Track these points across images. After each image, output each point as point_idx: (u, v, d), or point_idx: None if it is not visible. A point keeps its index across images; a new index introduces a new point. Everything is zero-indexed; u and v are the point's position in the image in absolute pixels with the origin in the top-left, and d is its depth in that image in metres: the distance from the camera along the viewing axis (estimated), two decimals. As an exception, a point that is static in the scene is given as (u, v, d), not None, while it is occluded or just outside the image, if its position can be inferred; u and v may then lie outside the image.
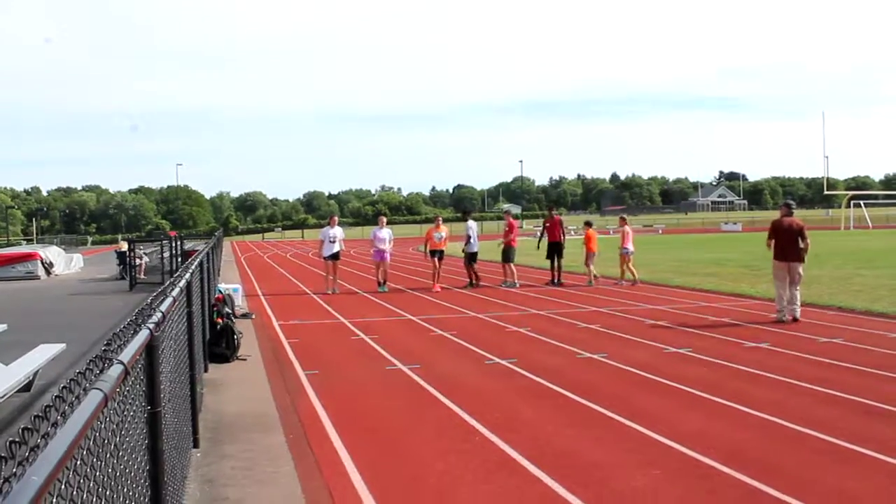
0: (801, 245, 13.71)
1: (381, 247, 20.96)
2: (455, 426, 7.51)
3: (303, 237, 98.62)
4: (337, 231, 20.79)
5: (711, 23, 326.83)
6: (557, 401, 8.43)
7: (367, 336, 13.15)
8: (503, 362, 10.57)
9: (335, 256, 20.74)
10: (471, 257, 21.59)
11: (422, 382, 9.45)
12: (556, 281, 21.49)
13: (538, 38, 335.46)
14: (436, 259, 20.82)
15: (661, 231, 70.51)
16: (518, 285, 21.12)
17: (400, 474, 6.14)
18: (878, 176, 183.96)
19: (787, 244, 13.76)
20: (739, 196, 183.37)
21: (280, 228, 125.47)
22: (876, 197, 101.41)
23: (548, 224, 22.68)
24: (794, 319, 13.57)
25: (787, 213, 14.14)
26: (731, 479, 5.85)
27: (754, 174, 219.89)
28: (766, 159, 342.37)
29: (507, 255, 21.80)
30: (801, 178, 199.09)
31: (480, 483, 5.89)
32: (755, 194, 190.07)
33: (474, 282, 21.56)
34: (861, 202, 78.29)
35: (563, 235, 22.30)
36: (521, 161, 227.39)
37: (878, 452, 6.36)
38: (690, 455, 6.43)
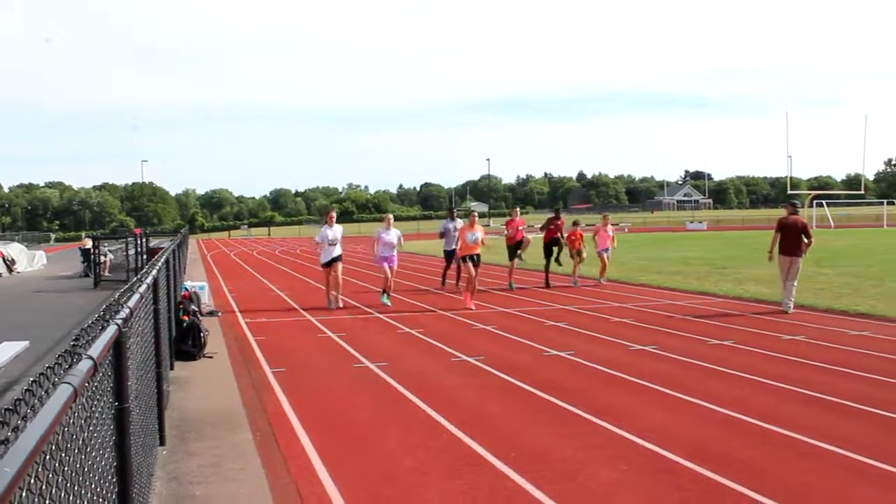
0: (806, 241, 14.82)
1: (388, 252, 17.33)
2: (422, 423, 7.54)
3: (269, 235, 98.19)
4: (337, 231, 17.05)
5: (678, 23, 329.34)
6: (524, 398, 8.49)
7: (335, 334, 13.14)
8: (470, 360, 10.62)
9: (335, 260, 16.95)
10: (451, 255, 20.17)
11: (389, 380, 9.46)
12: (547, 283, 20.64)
13: (506, 38, 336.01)
14: (470, 264, 16.55)
15: (626, 230, 70.92)
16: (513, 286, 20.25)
17: (367, 471, 6.15)
18: (839, 176, 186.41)
19: (792, 240, 14.83)
20: (704, 195, 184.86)
21: (247, 226, 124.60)
22: (838, 196, 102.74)
23: (551, 227, 21.50)
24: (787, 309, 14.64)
25: (792, 211, 15.17)
26: (695, 473, 5.93)
27: (719, 173, 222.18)
28: (730, 159, 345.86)
29: (512, 253, 20.56)
30: (766, 178, 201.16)
31: (448, 479, 5.92)
32: (720, 193, 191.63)
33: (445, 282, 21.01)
34: (823, 202, 79.35)
35: (562, 236, 21.35)
36: (488, 159, 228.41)
37: (837, 447, 6.48)
38: (655, 450, 6.50)
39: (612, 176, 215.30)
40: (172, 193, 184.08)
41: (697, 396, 8.29)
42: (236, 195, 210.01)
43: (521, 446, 6.68)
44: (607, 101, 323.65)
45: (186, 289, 14.51)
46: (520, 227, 20.51)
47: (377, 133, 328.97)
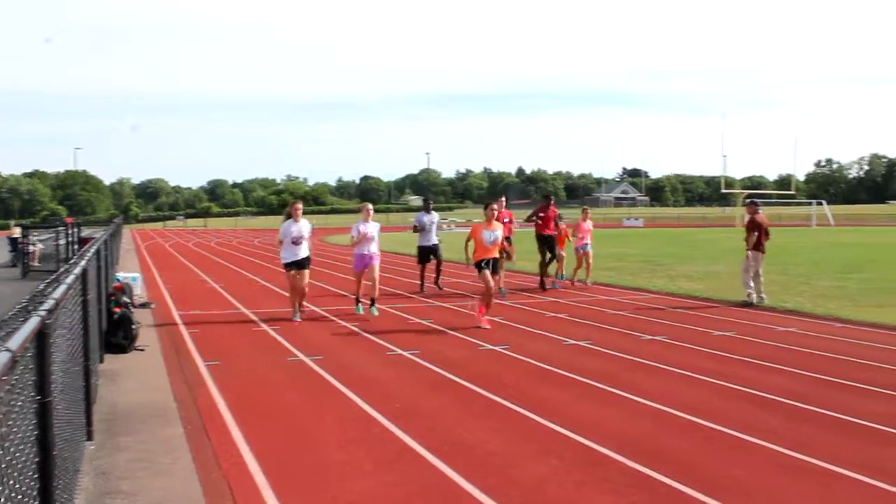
0: (768, 238, 16.15)
1: (368, 249, 14.35)
2: (356, 417, 7.52)
3: (205, 226, 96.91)
4: (304, 226, 13.84)
5: (619, 21, 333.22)
6: (458, 392, 8.53)
7: (270, 327, 13.04)
8: (405, 353, 10.62)
9: (302, 264, 13.89)
10: (428, 253, 18.18)
11: (323, 373, 9.42)
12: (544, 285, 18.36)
13: (446, 32, 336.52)
14: (486, 272, 12.83)
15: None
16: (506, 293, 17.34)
17: (299, 464, 6.13)
18: (772, 176, 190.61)
19: (763, 237, 15.95)
20: (641, 192, 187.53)
21: (183, 216, 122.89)
22: (769, 196, 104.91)
23: (541, 215, 18.51)
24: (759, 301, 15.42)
25: (756, 210, 16.31)
26: (624, 466, 6.03)
27: (656, 171, 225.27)
28: (667, 157, 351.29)
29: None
30: (701, 177, 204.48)
31: (380, 473, 5.93)
32: (657, 191, 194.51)
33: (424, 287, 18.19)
34: (756, 201, 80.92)
35: (559, 230, 18.78)
36: (428, 153, 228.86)
37: (763, 440, 6.64)
38: (586, 444, 6.59)
39: (550, 172, 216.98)
40: (106, 182, 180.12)
41: (629, 391, 8.42)
42: (172, 185, 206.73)
43: (453, 440, 6.72)
44: (547, 98, 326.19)
45: (119, 280, 14.26)
46: (505, 221, 16.29)
47: (317, 125, 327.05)
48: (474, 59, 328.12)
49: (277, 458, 6.28)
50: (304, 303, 14.49)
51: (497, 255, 13.44)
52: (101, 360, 9.96)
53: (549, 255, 18.46)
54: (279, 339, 11.92)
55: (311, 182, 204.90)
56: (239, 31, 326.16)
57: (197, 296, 18.12)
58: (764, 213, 16.74)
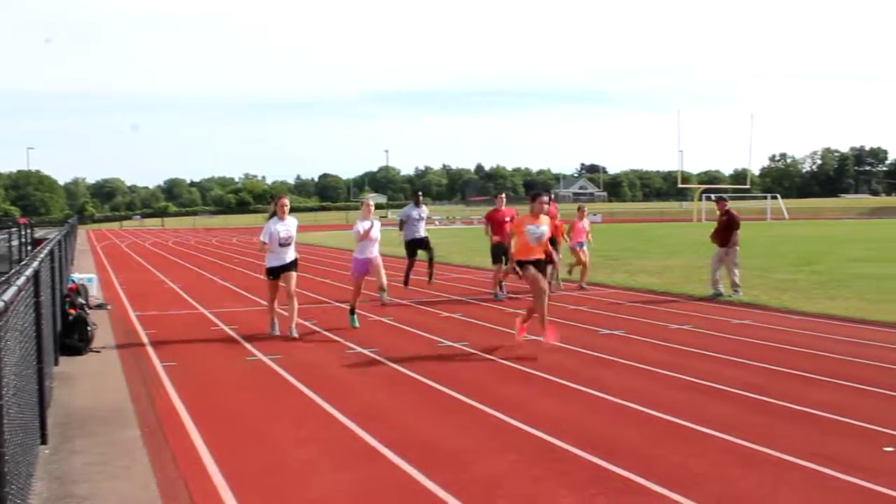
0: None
1: (369, 253, 12.36)
2: (315, 415, 7.50)
3: (163, 225, 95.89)
4: (290, 225, 12.00)
5: (577, 19, 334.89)
6: (418, 389, 8.54)
7: (228, 326, 12.95)
8: (365, 351, 10.61)
9: (289, 268, 11.93)
10: (416, 246, 16.81)
11: (282, 372, 9.38)
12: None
13: (405, 29, 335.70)
14: (534, 272, 10.42)
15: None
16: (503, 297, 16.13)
17: (259, 464, 6.09)
18: (728, 171, 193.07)
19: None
20: (599, 188, 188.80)
21: (139, 216, 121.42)
22: (725, 191, 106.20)
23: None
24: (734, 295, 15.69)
25: (727, 206, 16.52)
26: (583, 460, 6.08)
27: (614, 167, 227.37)
28: (625, 153, 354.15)
29: (498, 255, 15.89)
30: (658, 172, 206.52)
31: (340, 471, 5.92)
32: (615, 187, 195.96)
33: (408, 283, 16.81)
34: (712, 195, 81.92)
35: (559, 231, 16.83)
36: (386, 151, 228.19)
37: (717, 431, 6.74)
38: (545, 439, 6.64)
39: (509, 168, 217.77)
40: (61, 182, 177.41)
41: (587, 385, 8.49)
42: (129, 184, 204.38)
43: (413, 437, 6.72)
44: (505, 95, 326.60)
45: (74, 281, 14.09)
46: (506, 220, 15.37)
47: (274, 122, 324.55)
48: (433, 56, 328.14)
49: (236, 458, 6.25)
50: (300, 319, 12.24)
51: (542, 256, 10.76)
52: (56, 363, 9.83)
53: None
54: (238, 338, 11.85)
55: (269, 180, 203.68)
56: (194, 27, 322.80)
57: (154, 296, 17.93)
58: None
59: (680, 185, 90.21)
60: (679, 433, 6.78)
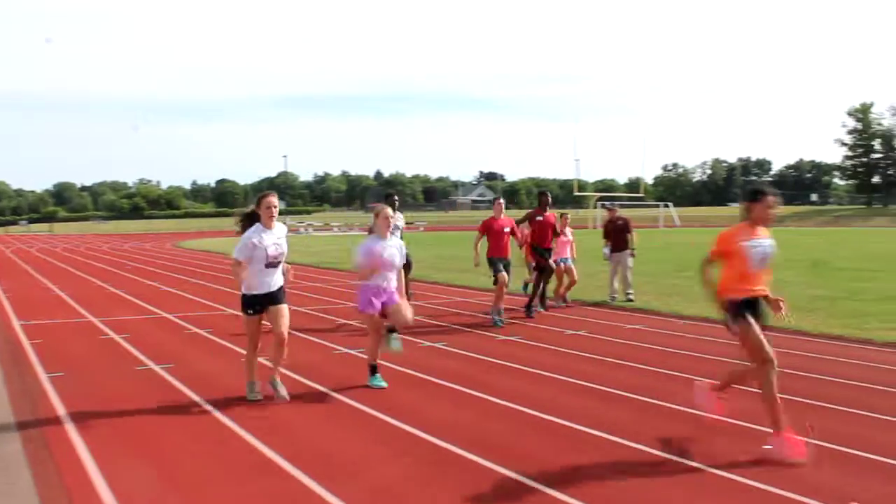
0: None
1: (385, 282, 8.87)
2: (209, 426, 7.37)
3: (51, 231, 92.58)
4: (279, 234, 8.47)
5: (475, 26, 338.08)
6: (314, 396, 8.48)
7: (118, 335, 12.59)
8: (260, 359, 10.45)
9: (277, 298, 8.39)
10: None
11: (175, 382, 9.18)
12: (535, 305, 14.69)
13: (301, 33, 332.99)
14: (752, 322, 6.60)
15: (422, 228, 72.00)
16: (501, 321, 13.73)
17: (150, 478, 5.95)
18: (622, 179, 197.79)
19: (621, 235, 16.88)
20: (497, 195, 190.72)
21: (26, 221, 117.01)
22: (620, 199, 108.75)
23: (538, 219, 14.69)
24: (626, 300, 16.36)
25: (617, 213, 17.35)
26: (476, 464, 6.15)
27: (512, 175, 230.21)
28: (523, 161, 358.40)
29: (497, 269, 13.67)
30: (555, 180, 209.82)
31: (235, 484, 5.83)
32: (513, 194, 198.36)
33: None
34: (606, 203, 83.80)
35: (555, 240, 15.11)
36: (285, 156, 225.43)
37: (609, 434, 6.91)
38: (440, 444, 6.68)
39: (409, 175, 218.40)
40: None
41: (482, 391, 8.57)
42: (15, 188, 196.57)
43: (310, 448, 6.67)
44: (405, 101, 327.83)
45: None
46: (505, 230, 13.68)
47: (169, 126, 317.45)
48: (332, 60, 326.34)
49: (126, 471, 6.08)
50: (281, 368, 8.60)
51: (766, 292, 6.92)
52: (-67, 376, 9.38)
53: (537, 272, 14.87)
54: (129, 347, 11.53)
55: (164, 185, 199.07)
56: (85, 26, 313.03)
57: (40, 304, 17.28)
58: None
59: (576, 193, 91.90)
60: (572, 436, 6.92)
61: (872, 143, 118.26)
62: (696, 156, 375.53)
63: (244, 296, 8.34)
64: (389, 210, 9.08)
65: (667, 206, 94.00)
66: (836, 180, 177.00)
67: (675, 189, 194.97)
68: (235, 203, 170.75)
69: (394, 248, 8.95)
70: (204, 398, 8.38)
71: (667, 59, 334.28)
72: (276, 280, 8.37)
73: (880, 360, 10.20)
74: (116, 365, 10.33)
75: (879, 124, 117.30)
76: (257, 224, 8.30)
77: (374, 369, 8.98)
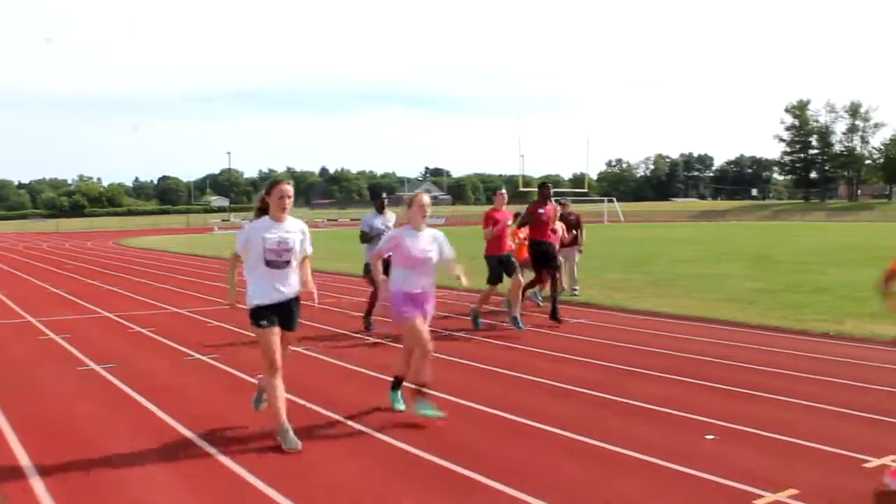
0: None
1: (420, 282, 7.76)
2: (153, 427, 7.24)
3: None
4: (293, 229, 6.73)
5: (418, 21, 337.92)
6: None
7: (58, 335, 12.34)
8: (204, 358, 10.35)
9: (291, 309, 6.77)
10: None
11: (117, 382, 9.02)
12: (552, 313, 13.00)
13: (245, 27, 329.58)
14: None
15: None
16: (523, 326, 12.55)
17: (93, 481, 5.82)
18: (567, 175, 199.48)
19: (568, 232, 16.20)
20: (444, 191, 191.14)
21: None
22: (565, 194, 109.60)
23: (540, 211, 13.11)
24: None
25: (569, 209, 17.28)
26: (428, 461, 6.14)
27: (457, 171, 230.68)
28: (468, 157, 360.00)
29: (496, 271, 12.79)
30: (501, 175, 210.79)
31: (181, 484, 5.73)
32: (459, 190, 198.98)
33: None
34: (560, 199, 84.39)
35: (557, 236, 14.04)
36: (228, 153, 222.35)
37: (557, 428, 6.95)
38: (392, 443, 6.67)
39: (354, 171, 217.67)
40: None
41: (433, 387, 8.55)
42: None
43: (259, 447, 6.60)
44: (349, 97, 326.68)
45: None
46: (507, 224, 12.83)
47: (109, 122, 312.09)
48: (275, 56, 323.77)
49: (68, 477, 5.93)
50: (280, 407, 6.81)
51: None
52: None
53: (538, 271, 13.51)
54: (69, 347, 11.31)
55: (105, 182, 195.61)
56: (22, 23, 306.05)
57: (-24, 305, 16.88)
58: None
59: (521, 189, 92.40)
60: (519, 431, 6.94)
61: (809, 139, 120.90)
62: (639, 151, 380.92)
63: (254, 305, 6.63)
64: (426, 197, 8.01)
65: (611, 201, 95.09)
66: (775, 176, 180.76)
67: (618, 184, 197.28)
68: (179, 200, 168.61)
69: (431, 243, 7.88)
70: (145, 397, 8.24)
71: (609, 56, 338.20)
72: (287, 287, 6.70)
73: (816, 350, 10.42)
74: (57, 366, 10.12)
75: (816, 121, 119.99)
76: (266, 216, 6.75)
77: (397, 384, 7.84)
